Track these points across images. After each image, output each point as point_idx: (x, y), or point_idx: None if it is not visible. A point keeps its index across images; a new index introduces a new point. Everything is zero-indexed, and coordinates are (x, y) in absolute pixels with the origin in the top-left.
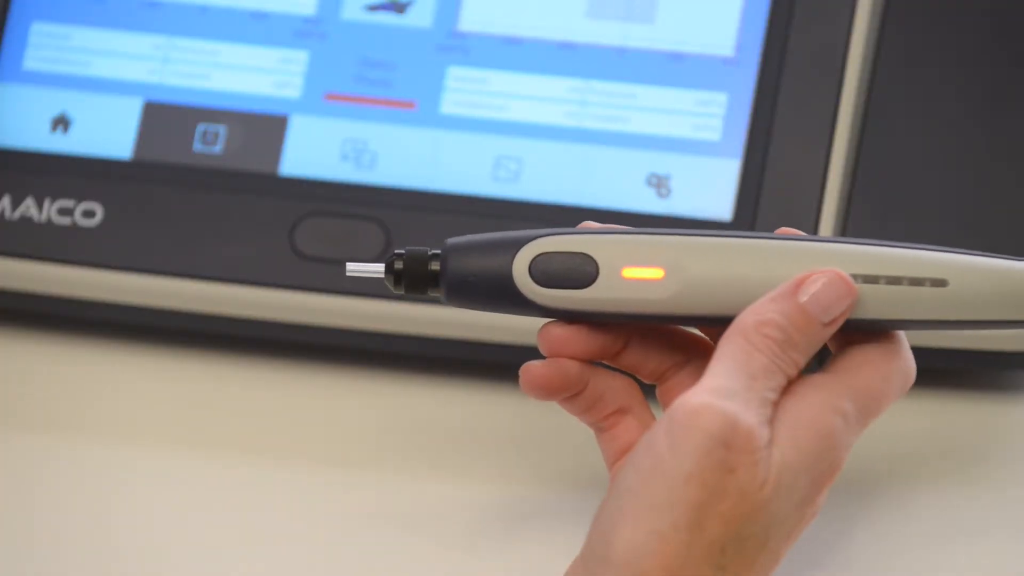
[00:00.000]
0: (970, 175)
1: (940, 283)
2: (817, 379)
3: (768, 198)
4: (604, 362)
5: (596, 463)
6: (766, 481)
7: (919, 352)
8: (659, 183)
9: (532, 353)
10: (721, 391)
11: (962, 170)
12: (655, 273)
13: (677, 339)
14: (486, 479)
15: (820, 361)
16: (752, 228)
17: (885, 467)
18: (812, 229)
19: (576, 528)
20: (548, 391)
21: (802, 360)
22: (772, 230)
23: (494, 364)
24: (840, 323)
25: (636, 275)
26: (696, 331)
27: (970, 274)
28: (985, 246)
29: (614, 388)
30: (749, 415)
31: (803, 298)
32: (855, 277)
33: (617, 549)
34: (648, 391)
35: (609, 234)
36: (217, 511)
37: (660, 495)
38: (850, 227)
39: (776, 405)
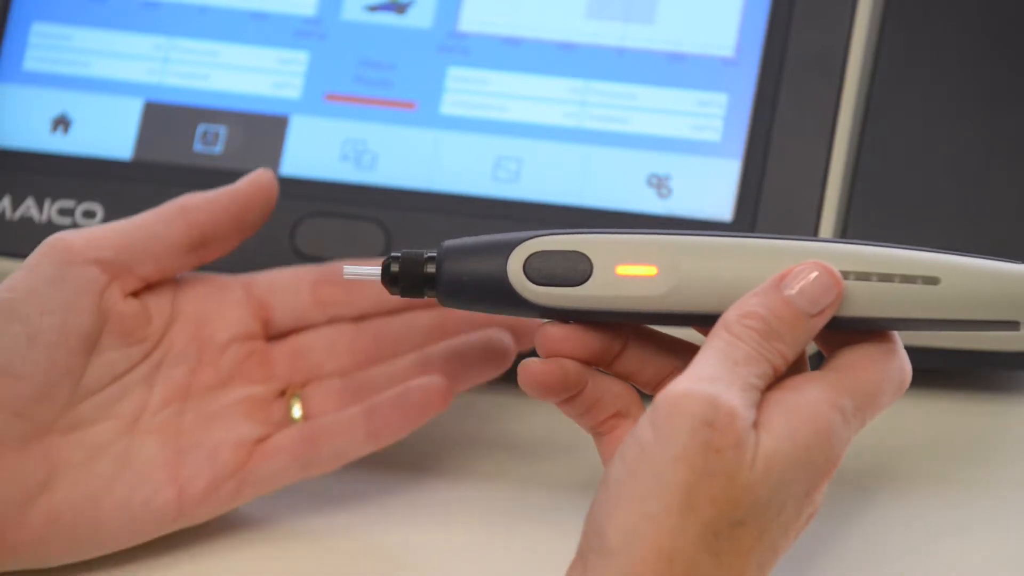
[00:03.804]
0: (970, 175)
1: (932, 281)
2: (816, 375)
3: (768, 198)
4: (602, 369)
5: (594, 463)
6: (754, 462)
7: (918, 352)
8: (659, 183)
9: (529, 354)
10: (703, 378)
11: (962, 170)
12: (648, 271)
13: (674, 346)
14: (484, 479)
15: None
16: (752, 229)
17: (884, 467)
18: (812, 229)
19: (575, 528)
20: (546, 388)
21: (789, 352)
22: (772, 231)
23: None
24: (828, 315)
25: (630, 272)
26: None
27: (962, 273)
28: (984, 246)
29: (612, 391)
30: (731, 395)
31: (787, 291)
32: (847, 274)
33: (611, 538)
34: (645, 400)
35: (603, 233)
36: None
37: (649, 481)
38: (850, 227)
39: (764, 393)
